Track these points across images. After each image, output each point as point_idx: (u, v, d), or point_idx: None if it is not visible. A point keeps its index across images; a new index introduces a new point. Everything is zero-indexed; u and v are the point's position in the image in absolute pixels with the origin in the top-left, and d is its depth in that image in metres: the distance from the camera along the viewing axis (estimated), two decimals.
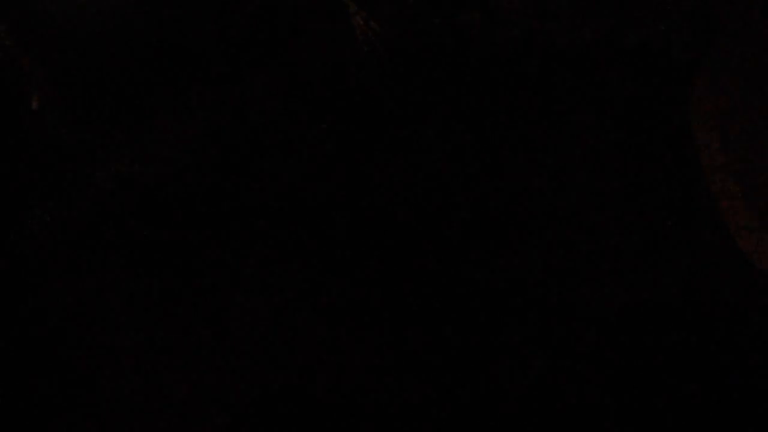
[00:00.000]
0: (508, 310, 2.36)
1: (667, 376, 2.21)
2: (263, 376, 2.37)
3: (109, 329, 2.55)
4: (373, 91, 3.06)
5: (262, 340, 2.47)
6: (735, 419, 2.11)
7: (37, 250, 2.82)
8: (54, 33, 2.85)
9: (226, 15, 3.05)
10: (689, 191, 2.52)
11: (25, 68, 2.81)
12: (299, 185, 2.88)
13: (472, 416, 2.19)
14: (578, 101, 2.84)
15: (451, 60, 3.04)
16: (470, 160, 2.84)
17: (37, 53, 2.82)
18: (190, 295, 2.61)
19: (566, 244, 2.53)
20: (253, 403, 2.32)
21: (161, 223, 2.87)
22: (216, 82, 3.12)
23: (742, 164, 2.46)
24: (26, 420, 2.41)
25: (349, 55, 3.10)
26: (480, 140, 2.87)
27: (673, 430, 2.13)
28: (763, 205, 2.37)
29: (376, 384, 2.28)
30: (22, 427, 2.37)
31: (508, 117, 2.90)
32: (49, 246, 2.83)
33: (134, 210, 2.91)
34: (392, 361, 2.32)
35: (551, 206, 2.63)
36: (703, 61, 2.76)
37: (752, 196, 2.40)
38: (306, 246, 2.69)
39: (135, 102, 3.01)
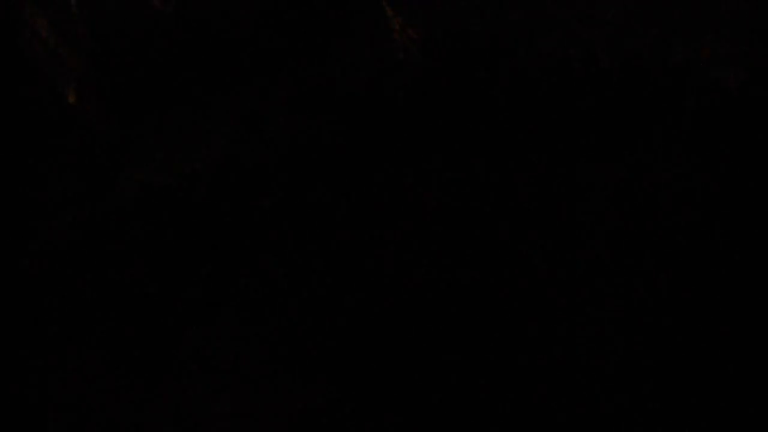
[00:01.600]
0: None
1: None
2: None
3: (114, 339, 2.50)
4: (407, 98, 3.01)
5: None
6: None
7: (56, 251, 2.80)
8: (95, 27, 2.86)
9: (260, 20, 3.03)
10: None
11: (63, 60, 2.82)
12: (325, 202, 2.83)
13: None
14: (616, 116, 2.75)
15: (488, 68, 2.98)
16: (505, 174, 2.77)
17: (76, 45, 2.83)
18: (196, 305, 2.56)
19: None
20: None
21: (178, 232, 2.83)
22: (245, 91, 3.09)
23: None
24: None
25: (385, 61, 3.06)
26: (513, 152, 2.80)
27: None
28: None
29: None
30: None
31: (543, 128, 2.82)
32: (68, 248, 2.81)
33: (153, 218, 2.88)
34: None
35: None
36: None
37: None
38: (320, 266, 2.61)
39: (166, 104, 3.01)
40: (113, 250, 2.80)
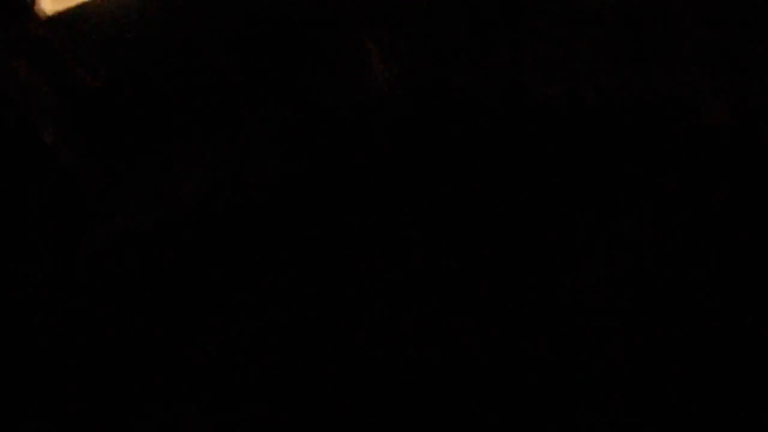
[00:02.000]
0: None
1: None
2: None
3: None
4: (390, 135, 2.98)
5: None
6: None
7: (29, 303, 2.76)
8: (73, 64, 2.86)
9: (237, 58, 3.01)
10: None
11: (42, 99, 2.82)
12: (305, 250, 2.78)
13: None
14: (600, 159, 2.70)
15: (473, 106, 2.93)
16: (483, 220, 2.72)
17: (55, 84, 2.83)
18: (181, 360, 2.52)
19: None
20: None
21: (153, 283, 2.77)
22: (224, 132, 3.06)
23: None
24: None
25: (368, 97, 3.03)
26: (495, 197, 2.75)
27: None
28: None
29: None
30: None
31: (527, 172, 2.77)
32: (41, 300, 2.77)
33: (129, 268, 2.83)
34: None
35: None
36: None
37: None
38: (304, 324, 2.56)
39: (143, 147, 2.98)
40: (85, 297, 2.78)
